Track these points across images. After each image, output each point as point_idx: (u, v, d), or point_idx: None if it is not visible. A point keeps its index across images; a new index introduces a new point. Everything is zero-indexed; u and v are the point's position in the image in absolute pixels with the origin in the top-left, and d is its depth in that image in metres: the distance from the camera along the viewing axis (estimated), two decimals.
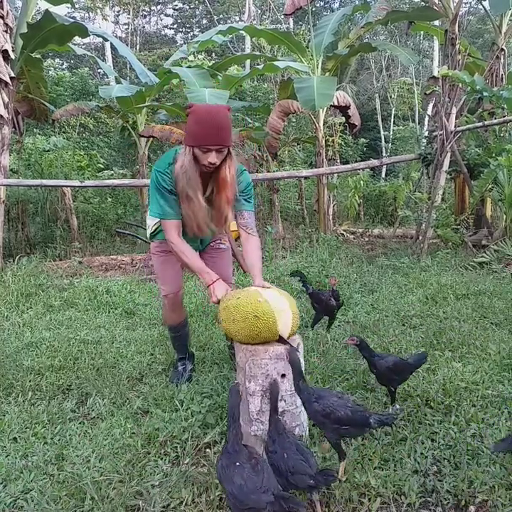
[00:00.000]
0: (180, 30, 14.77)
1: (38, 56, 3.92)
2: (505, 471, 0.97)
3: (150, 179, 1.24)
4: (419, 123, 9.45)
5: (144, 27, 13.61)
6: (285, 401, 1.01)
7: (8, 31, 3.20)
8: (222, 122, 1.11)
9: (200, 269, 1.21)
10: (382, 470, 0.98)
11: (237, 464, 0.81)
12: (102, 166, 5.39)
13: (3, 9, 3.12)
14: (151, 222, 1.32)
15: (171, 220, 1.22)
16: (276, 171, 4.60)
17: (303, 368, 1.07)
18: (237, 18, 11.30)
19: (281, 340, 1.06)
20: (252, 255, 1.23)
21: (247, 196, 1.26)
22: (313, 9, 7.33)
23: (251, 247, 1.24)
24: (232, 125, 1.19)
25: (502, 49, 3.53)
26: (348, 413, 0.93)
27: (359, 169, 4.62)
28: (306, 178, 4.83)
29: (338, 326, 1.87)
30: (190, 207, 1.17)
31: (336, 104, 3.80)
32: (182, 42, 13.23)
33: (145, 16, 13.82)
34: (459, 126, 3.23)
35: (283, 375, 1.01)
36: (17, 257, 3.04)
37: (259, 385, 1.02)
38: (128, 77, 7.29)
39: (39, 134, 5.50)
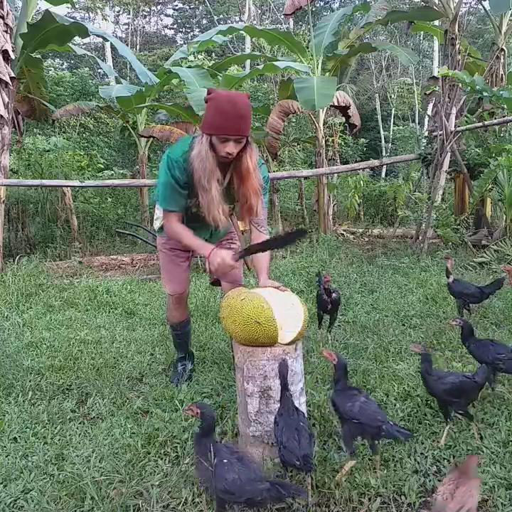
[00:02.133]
0: (181, 30, 14.78)
1: (38, 56, 3.92)
2: (505, 470, 0.97)
3: (161, 164, 1.15)
4: (419, 123, 9.47)
5: (144, 27, 13.61)
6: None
7: (9, 31, 3.20)
8: (242, 111, 1.05)
9: (197, 244, 1.17)
10: (383, 470, 0.99)
11: (224, 460, 0.81)
12: (102, 166, 5.39)
13: (3, 9, 3.12)
14: (160, 213, 1.28)
15: (172, 212, 1.18)
16: (277, 171, 4.60)
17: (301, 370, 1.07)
18: (237, 18, 11.29)
19: None
20: (263, 254, 1.18)
21: (264, 192, 1.20)
22: (313, 9, 7.32)
23: None
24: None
25: (502, 49, 3.53)
26: (355, 408, 0.93)
27: (359, 169, 4.62)
28: (306, 178, 4.81)
29: (338, 326, 1.87)
30: (206, 198, 1.10)
31: (336, 104, 3.80)
32: (182, 42, 13.23)
33: (145, 16, 13.82)
34: (458, 126, 3.23)
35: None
36: (17, 257, 3.04)
37: (257, 386, 1.02)
38: (128, 77, 7.29)
39: (39, 134, 5.50)
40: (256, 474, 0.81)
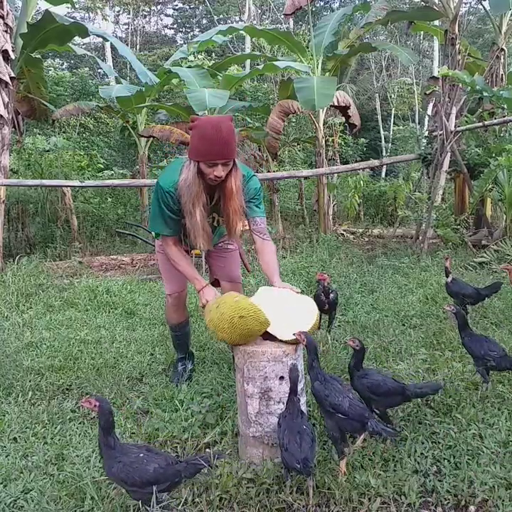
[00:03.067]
0: (181, 30, 14.78)
1: (38, 56, 3.91)
2: (505, 470, 0.97)
3: (153, 191, 1.25)
4: (419, 123, 9.45)
5: (144, 27, 13.60)
6: (283, 403, 1.01)
7: (8, 31, 3.20)
8: (226, 136, 1.11)
9: (192, 276, 1.25)
10: (383, 470, 0.98)
11: (140, 454, 0.83)
12: (102, 166, 5.38)
13: (3, 9, 3.12)
14: None
15: (168, 236, 1.25)
16: (277, 171, 4.60)
17: (301, 370, 1.07)
18: (237, 18, 11.28)
19: (271, 337, 1.06)
20: (269, 258, 1.23)
21: (258, 202, 1.27)
22: (313, 9, 7.33)
23: (267, 251, 1.25)
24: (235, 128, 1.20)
25: (502, 49, 3.53)
26: (344, 402, 0.94)
27: (359, 169, 4.62)
28: (306, 178, 4.81)
29: (339, 325, 1.87)
30: (190, 222, 1.18)
31: (335, 104, 3.79)
32: (182, 42, 13.22)
33: (145, 16, 13.81)
34: (459, 126, 3.23)
35: (281, 378, 1.01)
36: (17, 257, 3.04)
37: (257, 387, 1.02)
38: (128, 77, 7.29)
39: (39, 134, 5.49)
40: (169, 458, 0.83)
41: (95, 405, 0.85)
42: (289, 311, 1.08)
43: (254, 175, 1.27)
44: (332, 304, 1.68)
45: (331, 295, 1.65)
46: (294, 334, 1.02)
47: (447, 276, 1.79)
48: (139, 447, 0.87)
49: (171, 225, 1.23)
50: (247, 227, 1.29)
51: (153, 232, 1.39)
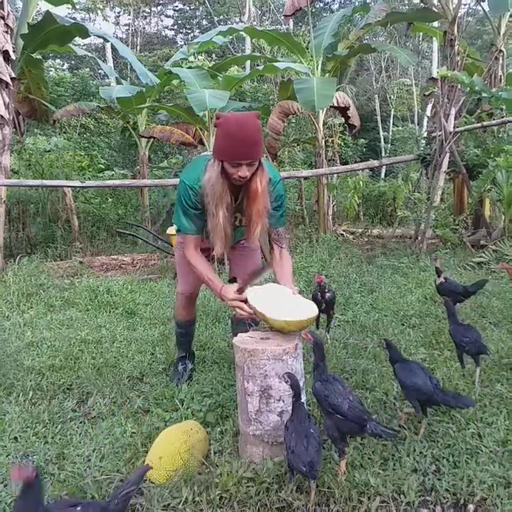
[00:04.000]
0: (181, 31, 14.79)
1: (39, 57, 3.93)
2: (504, 469, 0.97)
3: (178, 187, 1.20)
4: (418, 124, 9.46)
5: (144, 28, 13.62)
6: (283, 401, 1.02)
7: (9, 32, 3.21)
8: (253, 135, 1.06)
9: (207, 279, 1.21)
10: (382, 469, 0.99)
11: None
12: (102, 167, 5.39)
13: (3, 10, 3.13)
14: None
15: (190, 235, 1.21)
16: None
17: (302, 370, 1.08)
18: (237, 19, 11.28)
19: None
20: (285, 271, 1.22)
21: (282, 211, 1.24)
22: (313, 10, 7.34)
23: (285, 262, 1.24)
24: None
25: (501, 50, 3.54)
26: (344, 404, 0.95)
27: (358, 170, 4.63)
28: (305, 178, 4.81)
29: (338, 325, 1.88)
30: (212, 223, 1.15)
31: (335, 105, 3.81)
32: (182, 43, 13.23)
33: (145, 17, 13.84)
34: (457, 127, 3.24)
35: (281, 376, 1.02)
36: (18, 257, 3.04)
37: (257, 386, 1.02)
38: (128, 78, 7.29)
39: (40, 134, 5.50)
40: (97, 507, 0.77)
41: (27, 477, 0.72)
42: (288, 302, 1.09)
43: (281, 179, 1.22)
44: (329, 303, 1.68)
45: (328, 294, 1.65)
46: (301, 333, 1.03)
47: (439, 277, 1.80)
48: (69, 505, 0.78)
49: (195, 222, 1.19)
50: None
51: (175, 227, 1.34)
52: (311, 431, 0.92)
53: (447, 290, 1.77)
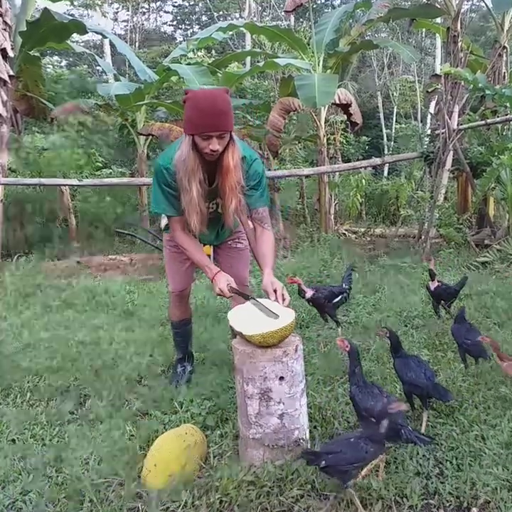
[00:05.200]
0: (180, 27, 14.68)
1: (37, 54, 3.89)
2: (508, 472, 0.96)
3: (153, 171, 1.17)
4: (421, 121, 9.41)
5: (143, 24, 13.50)
6: (284, 404, 1.00)
7: (7, 29, 3.18)
8: (221, 106, 1.04)
9: (202, 263, 1.18)
10: (384, 472, 0.97)
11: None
12: (100, 165, 5.35)
13: (2, 7, 3.10)
14: None
15: (173, 216, 1.18)
16: (278, 169, 4.57)
17: (302, 370, 1.06)
18: (237, 15, 11.17)
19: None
20: (265, 246, 1.16)
21: (261, 189, 1.18)
22: (314, 6, 7.27)
23: (265, 239, 1.18)
24: (232, 106, 1.09)
25: (504, 47, 3.50)
26: (377, 406, 0.94)
27: (361, 168, 4.60)
28: (307, 176, 4.79)
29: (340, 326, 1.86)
30: (185, 199, 1.10)
31: (337, 101, 3.76)
32: (181, 39, 13.13)
33: (144, 13, 13.71)
34: (461, 125, 3.21)
35: (281, 378, 1.00)
36: (15, 257, 3.04)
37: (257, 388, 1.00)
38: (127, 75, 7.24)
39: (38, 132, 5.46)
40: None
41: None
42: (266, 316, 1.04)
43: (257, 158, 1.18)
44: (315, 303, 1.62)
45: (307, 294, 1.60)
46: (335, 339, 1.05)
47: (432, 279, 1.76)
48: None
49: (173, 204, 1.15)
50: (251, 226, 1.22)
51: (162, 226, 1.33)
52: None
53: (443, 293, 1.75)
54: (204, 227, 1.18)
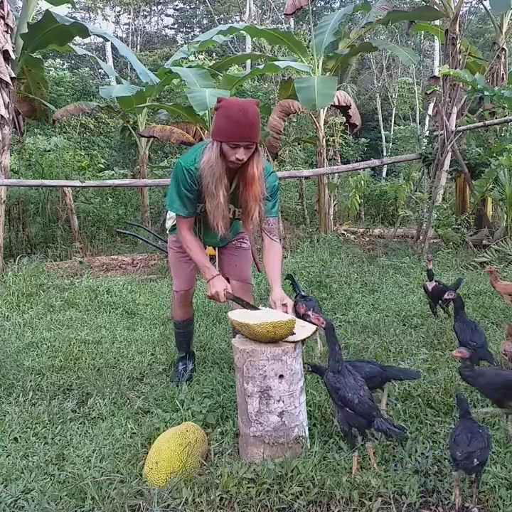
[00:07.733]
0: (181, 30, 14.79)
1: (39, 56, 3.92)
2: (506, 470, 0.97)
3: (173, 170, 1.21)
4: (420, 123, 9.44)
5: (144, 27, 13.62)
6: (283, 402, 1.01)
7: (9, 31, 3.20)
8: (252, 118, 1.10)
9: (202, 264, 1.22)
10: (383, 470, 0.98)
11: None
12: (102, 166, 5.39)
13: (3, 9, 3.12)
14: (172, 213, 1.32)
15: (183, 217, 1.22)
16: (277, 170, 4.59)
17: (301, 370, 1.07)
18: (238, 18, 11.29)
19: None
20: (275, 259, 1.22)
21: (274, 201, 1.25)
22: (314, 9, 7.33)
23: (274, 252, 1.23)
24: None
25: (503, 48, 3.53)
26: (353, 398, 0.94)
27: (360, 169, 4.60)
28: (306, 178, 4.80)
29: (339, 325, 1.87)
30: (212, 203, 1.15)
31: (336, 104, 3.80)
32: (182, 42, 13.20)
33: (145, 16, 13.83)
34: (459, 126, 3.23)
35: (281, 376, 1.01)
36: (18, 257, 3.05)
37: (257, 386, 1.01)
38: (128, 77, 7.30)
39: (40, 134, 5.50)
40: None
41: None
42: (268, 317, 1.07)
43: (273, 171, 1.24)
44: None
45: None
46: (309, 319, 1.02)
47: (430, 280, 1.77)
48: None
49: (187, 205, 1.20)
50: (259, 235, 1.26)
51: (168, 227, 1.37)
52: (480, 430, 0.88)
53: (441, 294, 1.75)
54: (227, 231, 1.23)
